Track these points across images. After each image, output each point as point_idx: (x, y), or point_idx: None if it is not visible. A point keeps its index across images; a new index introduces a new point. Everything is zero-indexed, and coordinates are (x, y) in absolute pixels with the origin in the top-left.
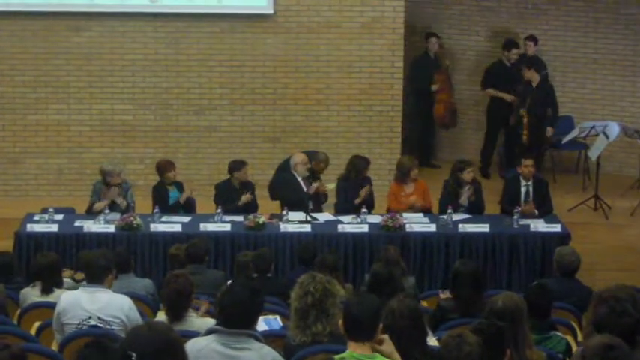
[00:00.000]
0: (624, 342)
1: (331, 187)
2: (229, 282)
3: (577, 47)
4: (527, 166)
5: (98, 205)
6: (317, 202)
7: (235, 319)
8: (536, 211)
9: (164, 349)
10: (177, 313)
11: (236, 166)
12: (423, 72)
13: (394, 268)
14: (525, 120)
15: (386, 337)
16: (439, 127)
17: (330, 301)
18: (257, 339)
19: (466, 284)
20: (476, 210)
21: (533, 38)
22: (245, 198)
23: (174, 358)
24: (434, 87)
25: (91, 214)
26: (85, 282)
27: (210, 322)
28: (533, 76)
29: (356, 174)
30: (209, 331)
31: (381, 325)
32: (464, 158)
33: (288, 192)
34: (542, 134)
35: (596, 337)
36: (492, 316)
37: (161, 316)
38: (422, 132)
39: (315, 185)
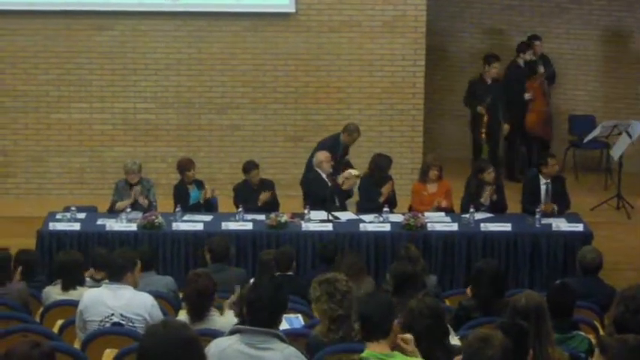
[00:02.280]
0: None
1: (355, 172)
2: (252, 280)
3: (599, 46)
4: (553, 165)
5: (120, 204)
6: (342, 197)
7: (259, 319)
8: (556, 208)
9: (180, 347)
10: (198, 312)
11: (246, 167)
12: (516, 81)
13: (415, 266)
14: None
15: (409, 336)
16: (532, 138)
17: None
18: (281, 339)
19: (488, 284)
20: (499, 209)
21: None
22: (264, 196)
23: (190, 355)
24: (527, 95)
25: (113, 212)
26: (106, 280)
27: (233, 320)
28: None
29: (379, 172)
30: (233, 331)
31: (395, 322)
32: (484, 158)
33: (315, 189)
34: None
35: (620, 337)
36: (515, 315)
37: (182, 315)
38: (511, 143)
39: (346, 172)
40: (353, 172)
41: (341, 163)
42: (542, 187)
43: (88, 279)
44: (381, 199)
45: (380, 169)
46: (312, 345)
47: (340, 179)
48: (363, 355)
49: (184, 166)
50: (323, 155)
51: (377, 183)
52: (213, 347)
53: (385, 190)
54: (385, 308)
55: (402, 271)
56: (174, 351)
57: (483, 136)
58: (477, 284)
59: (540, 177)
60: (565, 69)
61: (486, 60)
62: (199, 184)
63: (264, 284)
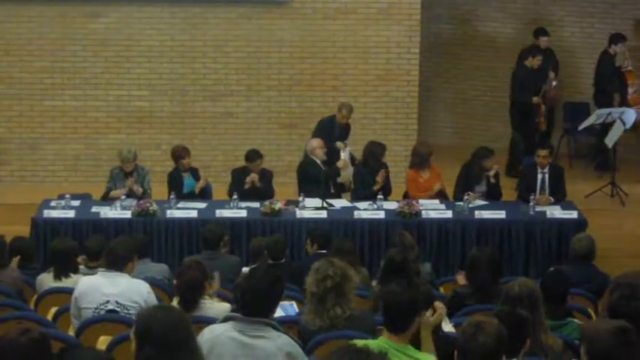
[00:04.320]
0: (636, 327)
1: (344, 155)
2: (245, 268)
3: (594, 33)
4: (540, 156)
5: (114, 193)
6: (337, 186)
7: (253, 307)
8: (552, 199)
9: (173, 328)
10: (189, 302)
11: (251, 156)
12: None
13: (409, 253)
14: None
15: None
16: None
17: (349, 285)
18: (275, 328)
19: (482, 270)
20: (496, 195)
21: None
22: (250, 178)
23: (183, 335)
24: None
25: (107, 200)
26: (101, 268)
27: (225, 307)
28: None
29: (372, 160)
30: (226, 318)
31: (417, 319)
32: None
33: (311, 174)
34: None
35: (608, 321)
36: (509, 302)
37: (174, 304)
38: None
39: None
40: (342, 157)
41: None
42: (539, 177)
43: (81, 267)
44: (376, 188)
45: (373, 156)
46: (303, 333)
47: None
48: (379, 341)
49: (179, 154)
50: (315, 142)
51: (371, 170)
52: (206, 333)
53: (380, 178)
54: (409, 304)
55: (391, 258)
56: (169, 332)
57: (544, 126)
58: (472, 271)
59: (537, 166)
60: (561, 56)
61: (535, 34)
62: (194, 172)
63: (259, 274)
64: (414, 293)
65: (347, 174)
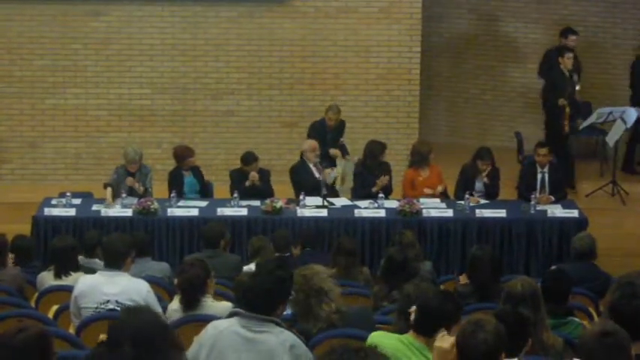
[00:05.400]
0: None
1: (331, 173)
2: (246, 267)
3: (597, 32)
4: (540, 154)
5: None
6: (330, 188)
7: (256, 305)
8: (552, 198)
9: (149, 330)
10: (190, 301)
11: (246, 159)
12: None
13: (409, 251)
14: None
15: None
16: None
17: (323, 282)
18: (278, 324)
19: (483, 269)
20: (492, 194)
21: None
22: (252, 176)
23: (158, 337)
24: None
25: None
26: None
27: (226, 306)
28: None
29: (371, 159)
30: (232, 314)
31: (443, 329)
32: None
33: (301, 177)
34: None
35: (596, 325)
36: (510, 301)
37: (175, 302)
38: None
39: (327, 171)
40: (331, 172)
41: (335, 146)
42: (539, 176)
43: (80, 257)
44: (374, 189)
45: (372, 155)
46: (302, 334)
47: (325, 176)
48: (403, 337)
49: (182, 153)
50: (307, 144)
51: (370, 169)
52: (210, 329)
53: (380, 182)
54: (443, 315)
55: (391, 257)
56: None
57: (567, 128)
58: (473, 270)
59: (537, 165)
60: None
61: (564, 34)
62: (196, 171)
63: (263, 274)
64: (451, 304)
65: (330, 176)
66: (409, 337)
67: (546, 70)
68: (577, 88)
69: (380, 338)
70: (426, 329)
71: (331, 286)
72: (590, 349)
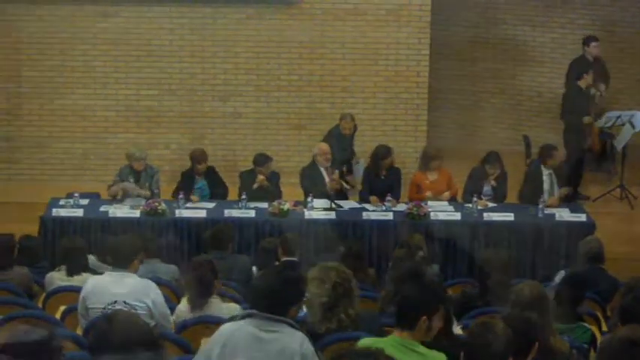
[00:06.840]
0: None
1: (339, 183)
2: (254, 268)
3: (605, 37)
4: (561, 156)
5: (113, 190)
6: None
7: (265, 306)
8: (562, 194)
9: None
10: (199, 301)
11: (259, 161)
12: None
13: (416, 254)
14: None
15: None
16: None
17: (355, 287)
18: (291, 325)
19: (492, 272)
20: (499, 197)
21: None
22: (259, 179)
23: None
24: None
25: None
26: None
27: (234, 307)
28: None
29: (376, 162)
30: (245, 315)
31: (424, 318)
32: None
33: (309, 180)
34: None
35: (621, 330)
36: (519, 305)
37: (183, 303)
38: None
39: (335, 178)
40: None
41: (347, 152)
42: (545, 179)
43: (92, 257)
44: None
45: (376, 158)
46: (310, 334)
47: (332, 182)
48: (389, 338)
49: (197, 157)
50: (317, 148)
51: (377, 173)
52: (223, 328)
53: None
54: (418, 302)
55: (397, 261)
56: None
57: (598, 146)
58: (483, 273)
59: (543, 168)
60: (569, 59)
61: (586, 42)
62: (210, 175)
63: (271, 276)
64: (424, 291)
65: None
66: (395, 337)
67: (565, 91)
68: (600, 94)
69: (368, 344)
70: (406, 321)
71: (358, 293)
72: (615, 356)
